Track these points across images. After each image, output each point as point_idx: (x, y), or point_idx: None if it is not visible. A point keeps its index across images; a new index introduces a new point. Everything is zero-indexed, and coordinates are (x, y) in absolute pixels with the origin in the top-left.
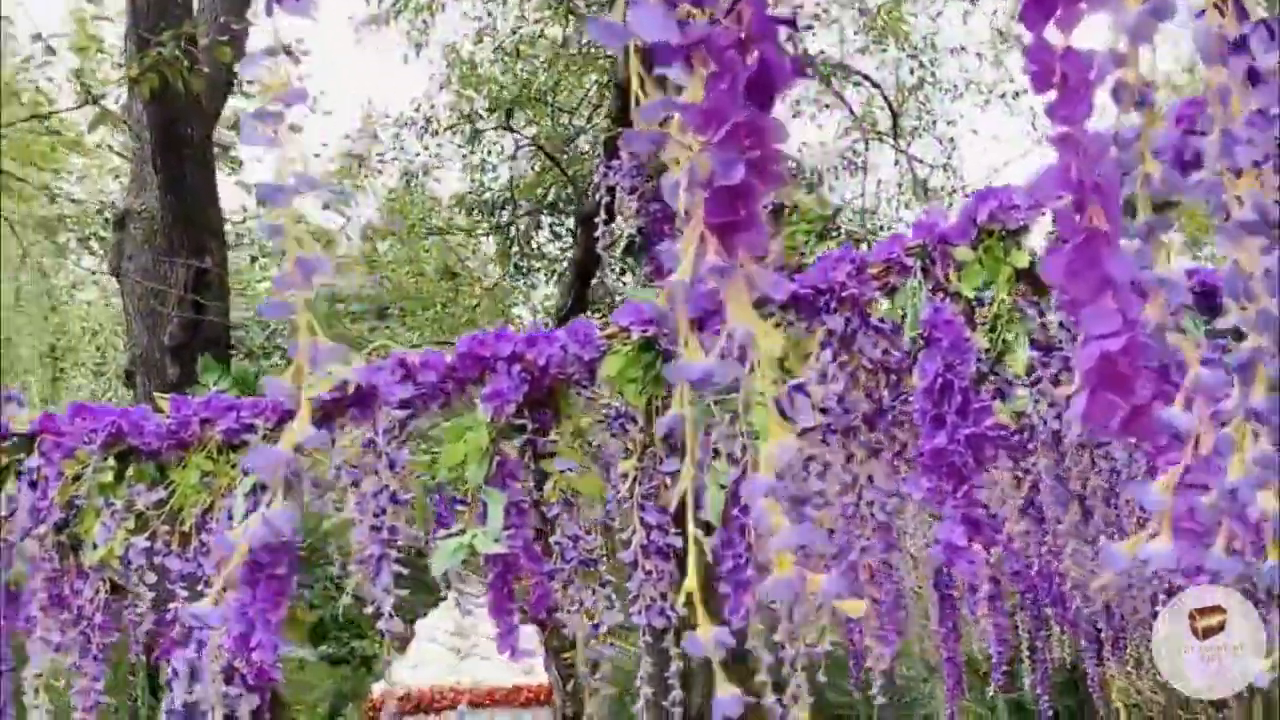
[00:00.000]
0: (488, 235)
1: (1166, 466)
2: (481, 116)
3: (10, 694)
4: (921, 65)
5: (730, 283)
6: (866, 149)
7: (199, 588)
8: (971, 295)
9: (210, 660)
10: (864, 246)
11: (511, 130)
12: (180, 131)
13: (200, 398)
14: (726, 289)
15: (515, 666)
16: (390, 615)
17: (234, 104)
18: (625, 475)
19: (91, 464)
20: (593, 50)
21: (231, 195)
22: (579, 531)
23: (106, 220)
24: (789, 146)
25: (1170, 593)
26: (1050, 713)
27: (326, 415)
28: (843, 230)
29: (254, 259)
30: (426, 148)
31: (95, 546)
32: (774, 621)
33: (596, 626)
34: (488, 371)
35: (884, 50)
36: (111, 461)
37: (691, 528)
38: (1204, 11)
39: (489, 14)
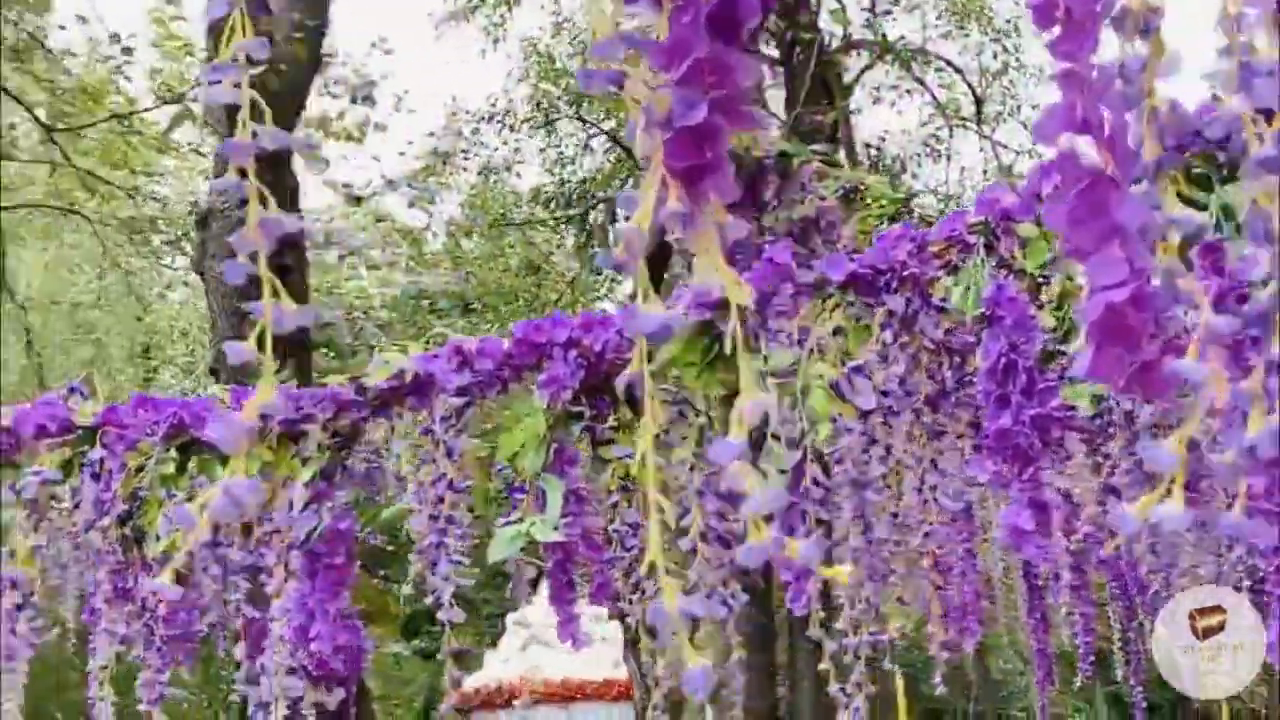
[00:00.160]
0: (566, 227)
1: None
2: (559, 110)
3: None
4: (1005, 49)
5: (698, 232)
6: (950, 135)
7: (260, 579)
8: (1036, 272)
9: (279, 652)
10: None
11: (584, 121)
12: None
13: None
14: (693, 237)
15: (604, 660)
16: (451, 605)
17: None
18: (683, 461)
19: (154, 455)
20: None
21: (318, 194)
22: (639, 519)
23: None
24: (870, 133)
25: (1261, 579)
26: (1145, 705)
27: (384, 403)
28: (916, 215)
29: (341, 257)
30: (505, 142)
31: (158, 538)
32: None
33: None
34: (544, 358)
35: (966, 35)
36: (173, 453)
37: (652, 494)
38: None
39: (566, 7)
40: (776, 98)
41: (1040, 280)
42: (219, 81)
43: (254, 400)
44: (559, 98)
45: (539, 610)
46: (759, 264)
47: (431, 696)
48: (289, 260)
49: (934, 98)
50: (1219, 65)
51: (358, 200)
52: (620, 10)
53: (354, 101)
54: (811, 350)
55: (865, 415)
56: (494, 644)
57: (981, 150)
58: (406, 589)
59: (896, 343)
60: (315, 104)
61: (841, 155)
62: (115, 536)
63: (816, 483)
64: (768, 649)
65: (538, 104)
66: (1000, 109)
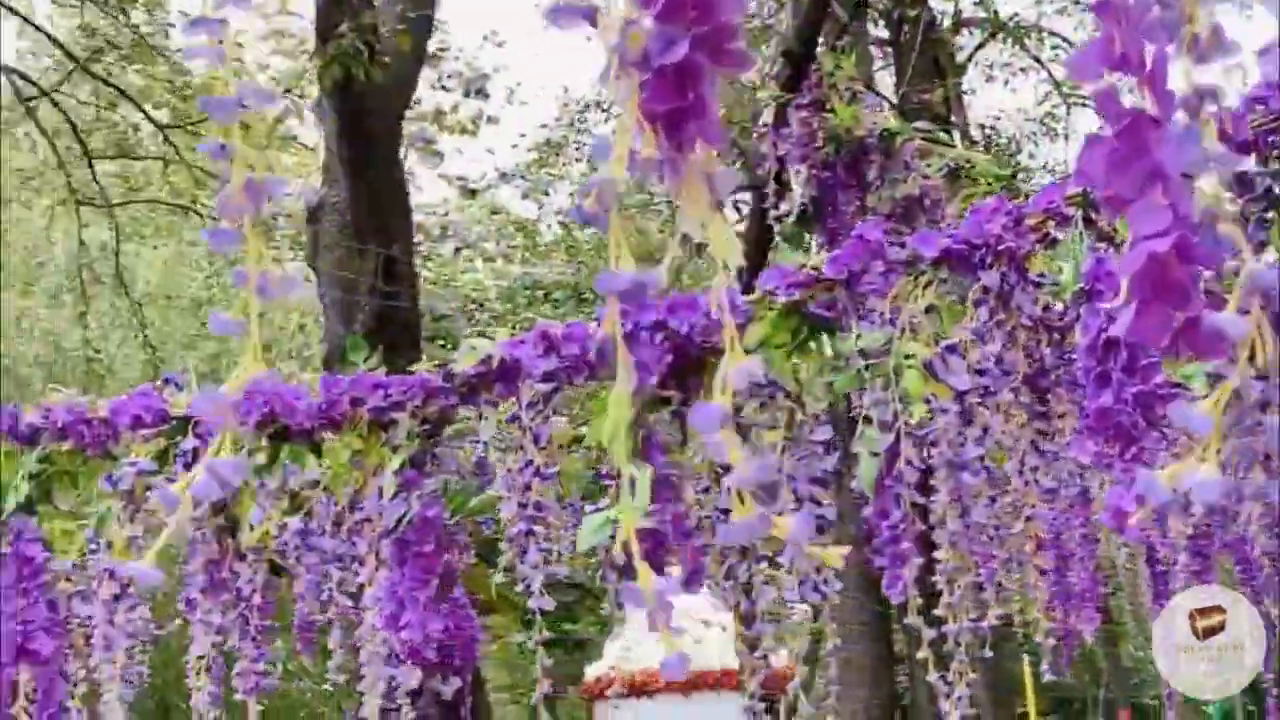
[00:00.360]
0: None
1: None
2: None
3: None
4: None
5: (684, 181)
6: (1068, 113)
7: (353, 567)
8: None
9: (376, 642)
10: None
11: None
12: (365, 122)
13: (349, 376)
14: (678, 189)
15: (726, 649)
16: (541, 593)
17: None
18: (773, 446)
19: (245, 445)
20: (774, 22)
21: (433, 188)
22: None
23: None
24: (980, 112)
25: None
26: (1277, 692)
27: (472, 390)
28: (1022, 193)
29: (458, 250)
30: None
31: (251, 528)
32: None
33: (753, 602)
34: (630, 341)
35: (1083, 10)
36: (265, 442)
37: (626, 467)
38: None
39: None
40: (885, 82)
41: None
42: (199, 32)
43: (239, 374)
44: None
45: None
46: (850, 241)
47: (557, 684)
48: (398, 252)
49: (1050, 75)
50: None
51: (472, 193)
52: None
53: (467, 95)
54: (904, 329)
55: (961, 396)
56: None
57: (1100, 128)
58: (498, 577)
59: (992, 320)
60: (429, 98)
61: (956, 137)
62: (210, 527)
63: (911, 465)
64: (883, 639)
65: None
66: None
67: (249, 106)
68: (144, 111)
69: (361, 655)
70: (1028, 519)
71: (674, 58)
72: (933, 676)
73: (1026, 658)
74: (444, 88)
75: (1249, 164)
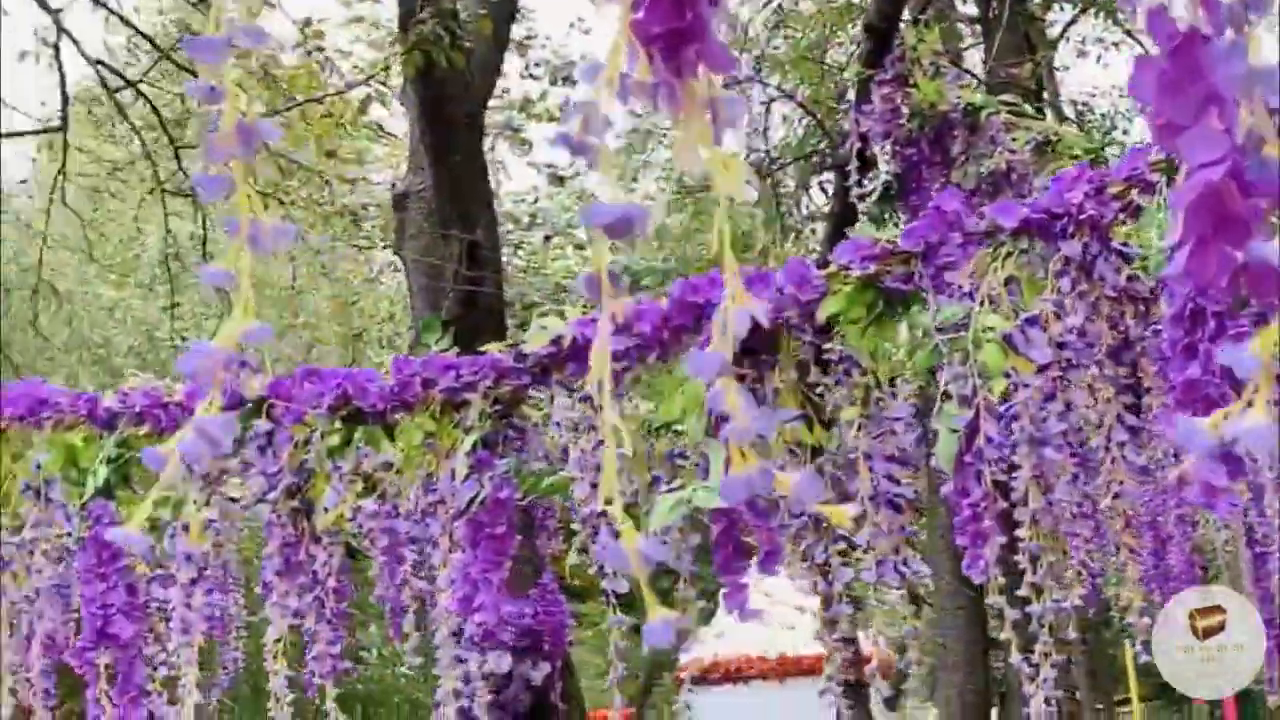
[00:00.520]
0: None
1: None
2: (753, 79)
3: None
4: None
5: (683, 110)
6: None
7: (429, 550)
8: None
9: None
10: None
11: (764, 84)
12: (448, 108)
13: (420, 358)
14: (676, 116)
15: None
16: (615, 574)
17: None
18: (850, 423)
19: (319, 427)
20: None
21: (522, 176)
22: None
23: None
24: (1073, 89)
25: None
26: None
27: (543, 369)
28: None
29: (547, 238)
30: None
31: (325, 510)
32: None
33: (830, 583)
34: (702, 319)
35: None
36: (339, 424)
37: (608, 414)
38: None
39: None
40: (974, 61)
41: None
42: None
43: (228, 326)
44: (755, 70)
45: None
46: (927, 212)
47: (653, 671)
48: (480, 237)
49: (1144, 50)
50: None
51: (560, 180)
52: None
53: (554, 83)
54: (983, 302)
55: (1042, 369)
56: (708, 620)
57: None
58: (573, 558)
59: (1074, 291)
60: (517, 87)
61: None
62: (284, 509)
63: (991, 441)
64: (979, 625)
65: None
66: None
67: (238, 46)
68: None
69: (436, 638)
70: (1115, 496)
71: None
72: (1016, 659)
73: (1128, 643)
74: (531, 76)
75: None
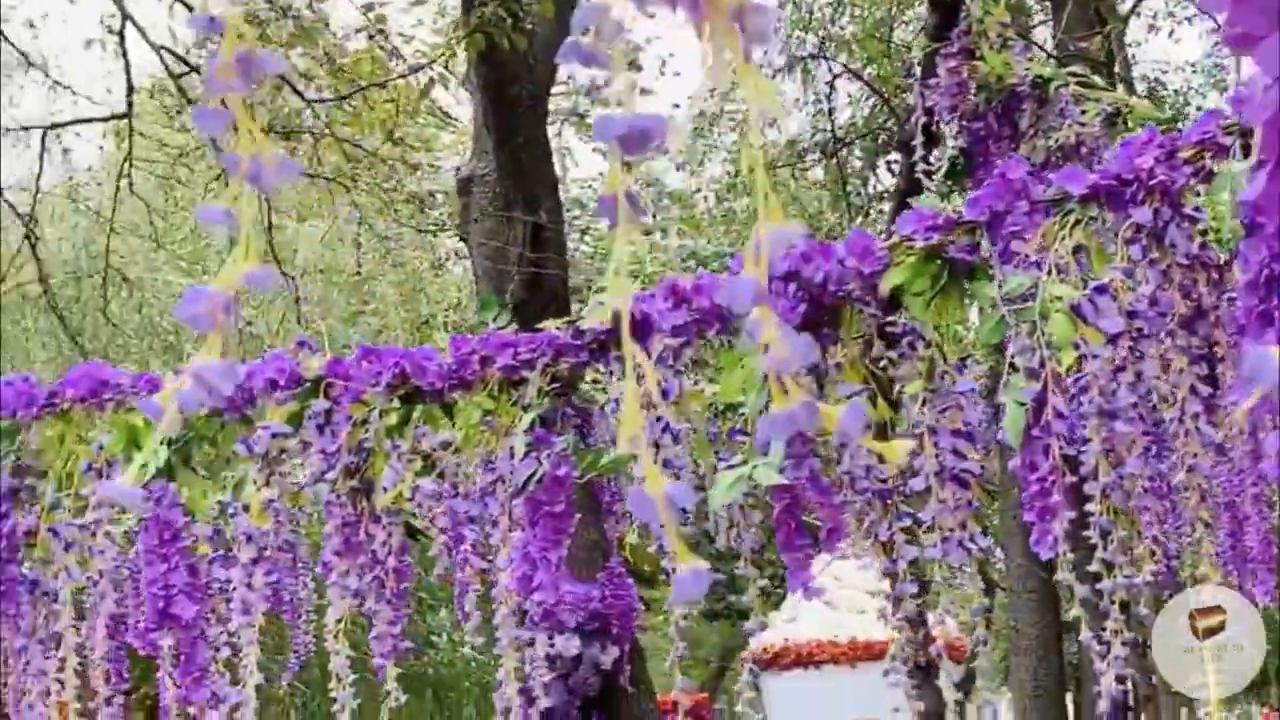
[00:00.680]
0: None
1: None
2: (817, 57)
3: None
4: None
5: (706, 20)
6: (1238, 66)
7: (488, 530)
8: None
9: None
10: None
11: (828, 60)
12: (511, 91)
13: (478, 336)
14: (702, 23)
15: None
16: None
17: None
18: (914, 398)
19: (377, 406)
20: None
21: (589, 162)
22: (869, 460)
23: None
24: (1145, 65)
25: None
26: None
27: (601, 346)
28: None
29: (613, 225)
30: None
31: (384, 490)
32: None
33: (894, 562)
34: None
35: None
36: (397, 403)
37: (629, 346)
38: None
39: None
40: (1043, 36)
41: None
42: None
43: (229, 267)
44: (819, 48)
45: (826, 571)
46: (992, 181)
47: (725, 656)
48: (544, 220)
49: (1216, 24)
50: None
51: (628, 166)
52: None
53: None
54: (1050, 272)
55: (1112, 340)
56: (778, 605)
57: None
58: (632, 537)
59: (1145, 259)
60: (582, 72)
61: (1120, 89)
62: (343, 489)
63: (1060, 415)
64: (1053, 608)
65: (792, 53)
66: None
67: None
68: (290, 84)
69: (496, 618)
70: (1189, 469)
71: None
72: (1085, 636)
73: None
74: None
75: None
